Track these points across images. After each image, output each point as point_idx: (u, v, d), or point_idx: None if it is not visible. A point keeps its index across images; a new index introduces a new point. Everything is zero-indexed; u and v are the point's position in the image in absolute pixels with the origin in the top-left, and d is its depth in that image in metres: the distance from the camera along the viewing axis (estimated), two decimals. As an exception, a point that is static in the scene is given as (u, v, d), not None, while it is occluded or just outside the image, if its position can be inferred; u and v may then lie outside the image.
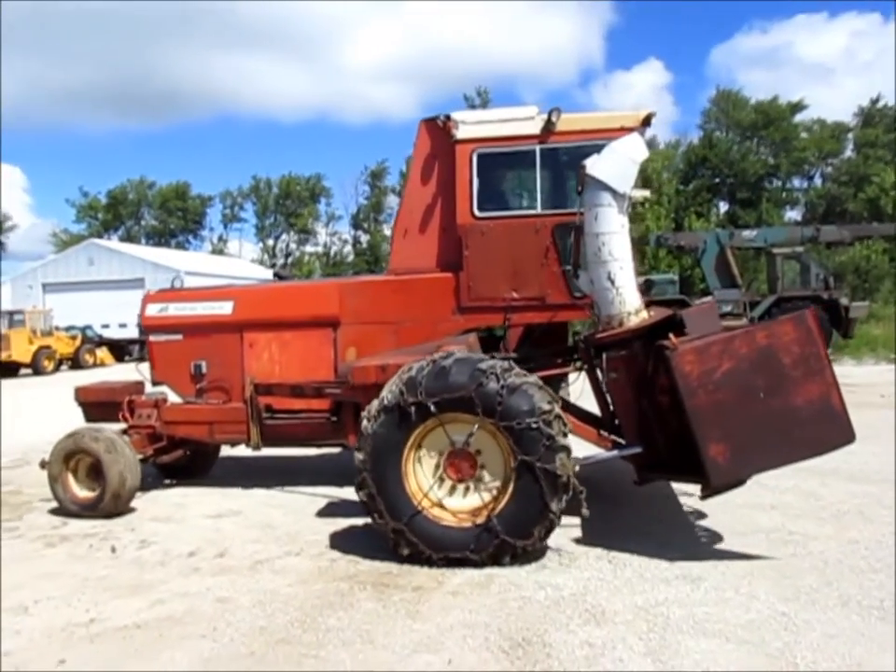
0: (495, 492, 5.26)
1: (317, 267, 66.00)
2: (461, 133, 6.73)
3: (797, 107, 57.70)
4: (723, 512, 6.42)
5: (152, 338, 7.94)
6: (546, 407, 5.10)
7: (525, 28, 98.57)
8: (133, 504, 7.34)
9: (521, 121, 6.69)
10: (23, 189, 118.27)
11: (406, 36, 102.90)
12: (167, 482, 8.44)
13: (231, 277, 42.51)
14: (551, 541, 5.65)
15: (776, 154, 57.36)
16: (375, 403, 5.35)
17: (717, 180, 56.00)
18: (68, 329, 36.50)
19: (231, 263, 59.63)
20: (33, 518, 7.06)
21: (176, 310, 7.80)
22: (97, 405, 8.05)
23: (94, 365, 34.24)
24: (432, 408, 5.18)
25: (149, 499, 7.66)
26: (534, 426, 5.02)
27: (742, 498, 6.82)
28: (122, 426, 7.68)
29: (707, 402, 4.98)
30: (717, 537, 5.79)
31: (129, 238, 72.65)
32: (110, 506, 6.86)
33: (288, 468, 8.94)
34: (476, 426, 5.18)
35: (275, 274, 8.91)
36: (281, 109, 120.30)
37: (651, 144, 56.08)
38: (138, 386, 8.09)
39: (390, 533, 5.25)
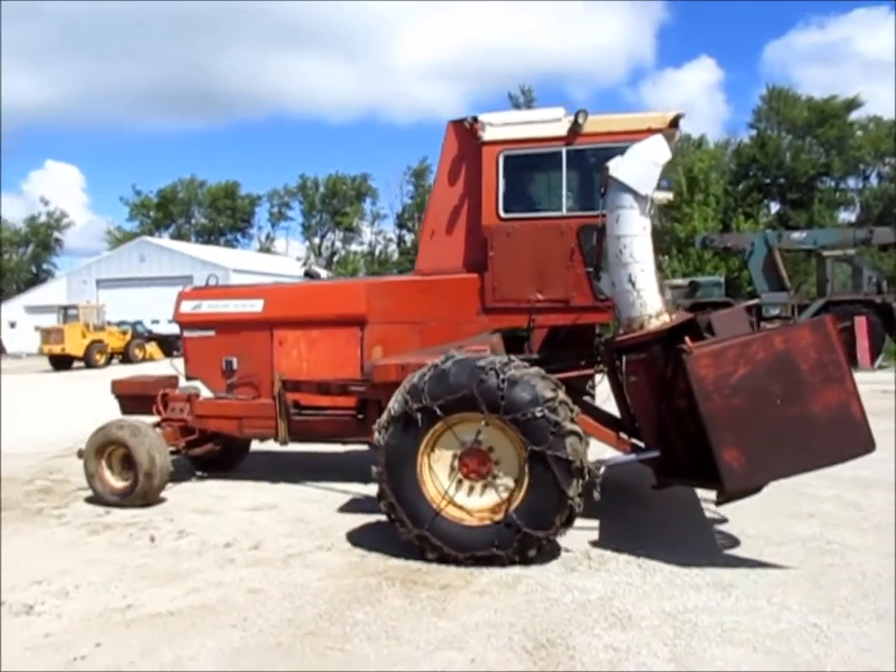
0: (511, 487, 5.27)
1: (362, 266, 66.53)
2: (488, 134, 6.74)
3: (852, 104, 56.10)
4: (761, 521, 6.31)
5: (186, 334, 8.17)
6: (549, 395, 5.10)
7: (575, 26, 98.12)
8: (174, 496, 7.56)
9: (547, 123, 6.67)
10: (81, 187, 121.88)
11: (454, 35, 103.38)
12: (199, 474, 8.66)
13: (277, 275, 43.16)
14: (581, 545, 5.67)
15: (829, 153, 55.93)
16: (384, 415, 5.43)
17: (767, 180, 54.89)
18: (119, 324, 37.50)
19: (278, 261, 60.48)
20: (78, 506, 7.30)
21: (209, 307, 8.00)
22: (132, 398, 8.33)
23: (144, 359, 35.08)
24: (438, 411, 5.24)
25: (189, 491, 7.85)
26: (538, 414, 5.03)
27: (780, 506, 6.74)
28: (156, 418, 7.91)
29: (723, 407, 4.93)
30: (752, 545, 5.70)
31: (179, 236, 74.33)
32: (144, 486, 7.03)
33: (324, 464, 9.07)
34: (483, 423, 5.22)
35: (306, 273, 9.03)
36: (329, 109, 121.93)
37: (699, 143, 55.46)
38: (172, 381, 8.34)
39: (415, 540, 5.31)
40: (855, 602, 4.52)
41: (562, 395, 5.20)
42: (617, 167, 5.61)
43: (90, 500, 7.43)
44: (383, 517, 5.93)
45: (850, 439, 4.92)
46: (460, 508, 5.35)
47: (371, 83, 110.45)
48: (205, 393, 8.16)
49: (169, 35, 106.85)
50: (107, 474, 7.27)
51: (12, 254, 77.81)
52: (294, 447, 7.89)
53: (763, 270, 23.09)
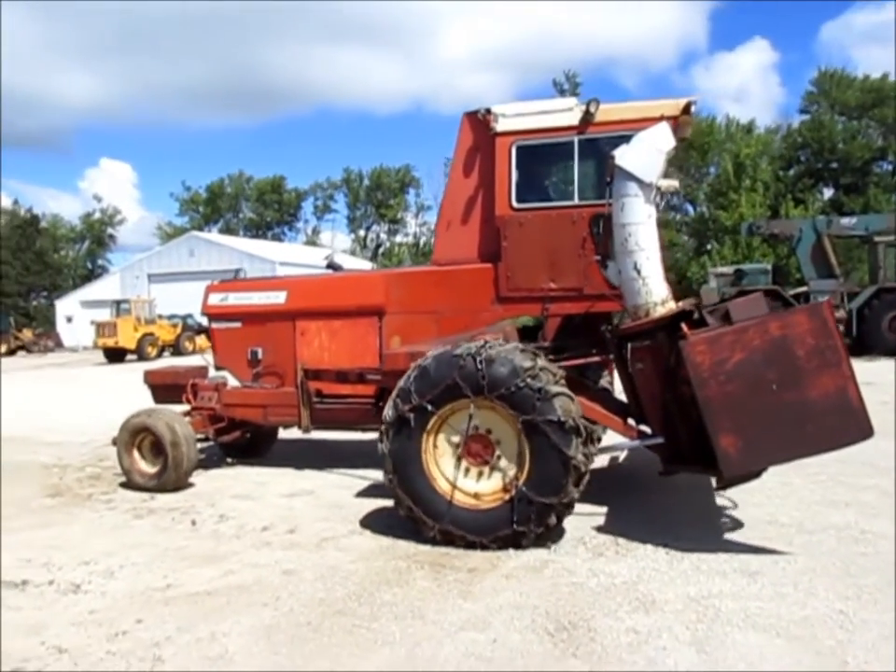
0: (516, 462, 5.36)
1: (407, 257, 66.85)
2: (501, 125, 6.78)
3: (910, 84, 54.19)
4: (795, 509, 6.27)
5: (214, 325, 8.45)
6: (527, 364, 5.22)
7: (625, 11, 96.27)
8: (216, 483, 7.83)
9: (559, 113, 6.69)
10: (133, 184, 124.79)
11: (502, 23, 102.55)
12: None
13: (323, 268, 43.61)
14: (609, 532, 5.71)
15: (885, 136, 54.17)
16: (382, 424, 5.59)
17: (819, 165, 53.46)
18: (170, 317, 38.41)
19: (324, 254, 61.14)
20: (125, 492, 7.58)
21: (236, 299, 8.25)
22: (164, 387, 8.63)
23: (193, 352, 35.86)
24: (428, 407, 5.41)
25: (231, 478, 8.10)
26: (521, 385, 5.15)
27: (817, 495, 6.68)
28: (187, 407, 8.24)
29: (719, 393, 4.95)
30: (783, 532, 5.65)
31: (227, 230, 75.67)
32: (173, 454, 7.29)
33: (361, 451, 9.21)
34: (472, 407, 5.35)
35: (329, 265, 9.20)
36: (376, 101, 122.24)
37: (748, 128, 54.29)
38: (202, 371, 8.63)
39: (438, 535, 5.42)
40: (883, 589, 4.47)
41: (542, 362, 5.32)
42: (622, 155, 5.62)
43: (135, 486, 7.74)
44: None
45: (848, 425, 4.89)
46: (473, 495, 5.48)
47: (417, 74, 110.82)
48: (233, 382, 8.43)
49: (219, 33, 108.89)
50: (139, 460, 7.61)
51: (68, 250, 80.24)
52: (337, 436, 8.08)
53: (812, 257, 22.56)
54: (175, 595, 4.74)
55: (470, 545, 5.35)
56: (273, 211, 79.63)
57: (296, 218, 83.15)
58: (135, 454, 7.59)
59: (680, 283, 44.65)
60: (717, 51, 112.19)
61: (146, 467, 7.59)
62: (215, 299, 8.41)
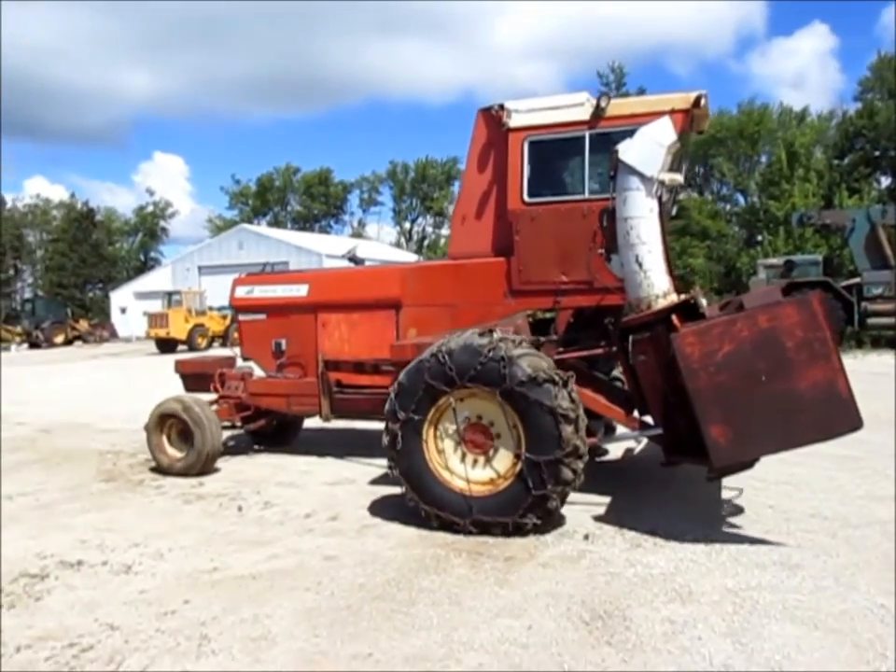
0: (513, 435, 5.50)
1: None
2: (513, 121, 6.84)
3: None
4: (840, 503, 6.19)
5: (241, 317, 8.77)
6: (483, 341, 5.51)
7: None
8: (261, 471, 8.03)
9: (571, 108, 6.72)
10: (185, 177, 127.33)
11: (554, 11, 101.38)
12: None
13: (369, 260, 43.96)
14: (648, 523, 5.71)
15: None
16: (386, 447, 5.82)
17: (877, 153, 51.74)
18: (220, 308, 39.08)
19: (370, 246, 61.56)
20: (174, 478, 7.82)
21: (261, 292, 8.53)
22: (194, 377, 8.98)
23: (242, 342, 36.45)
24: (415, 417, 5.67)
25: (277, 466, 8.29)
26: (483, 361, 5.43)
27: (862, 490, 6.60)
28: (214, 395, 8.57)
29: (709, 384, 5.00)
30: (827, 526, 5.59)
31: (276, 223, 76.63)
32: (199, 440, 7.66)
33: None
34: (452, 400, 5.60)
35: (350, 259, 9.39)
36: (427, 92, 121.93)
37: (801, 116, 52.86)
38: (229, 361, 8.96)
39: (475, 528, 5.51)
40: (927, 585, 4.41)
41: (499, 333, 5.59)
42: (625, 150, 5.67)
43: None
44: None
45: (837, 416, 4.89)
46: (489, 481, 5.62)
47: (469, 64, 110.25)
48: (258, 372, 8.71)
49: (272, 27, 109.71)
50: (167, 445, 7.99)
51: (123, 243, 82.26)
52: (380, 426, 8.17)
53: (866, 247, 21.91)
54: (221, 578, 4.91)
55: (504, 527, 5.43)
56: (319, 204, 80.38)
57: (342, 211, 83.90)
58: (164, 439, 7.95)
59: (729, 274, 43.87)
60: (774, 37, 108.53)
61: (173, 452, 7.94)
62: (241, 291, 8.69)
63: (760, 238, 45.08)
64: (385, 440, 5.80)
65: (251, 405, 8.48)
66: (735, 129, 52.78)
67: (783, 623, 4.01)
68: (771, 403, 4.93)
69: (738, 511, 6.08)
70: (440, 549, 5.31)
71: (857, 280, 21.89)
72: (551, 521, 5.54)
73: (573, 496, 5.61)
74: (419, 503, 5.69)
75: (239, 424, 8.60)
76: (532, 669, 3.63)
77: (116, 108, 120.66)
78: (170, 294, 37.46)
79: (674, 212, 8.08)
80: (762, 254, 36.80)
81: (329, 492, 7.07)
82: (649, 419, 6.20)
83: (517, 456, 5.47)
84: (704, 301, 5.70)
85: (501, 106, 6.89)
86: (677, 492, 6.63)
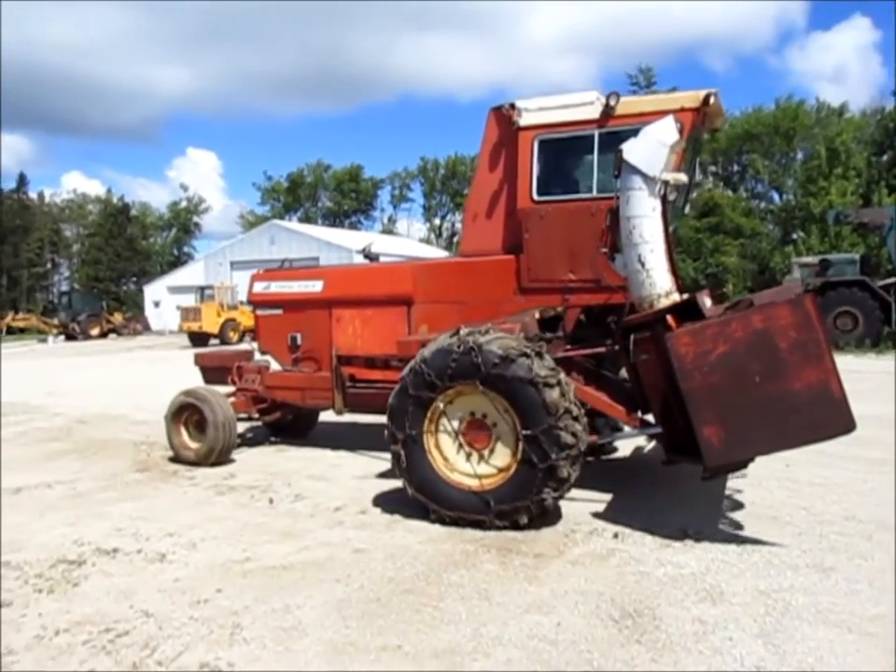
0: (508, 420, 5.59)
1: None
2: (524, 120, 6.85)
3: None
4: (875, 505, 6.09)
5: (258, 312, 8.95)
6: (451, 340, 5.68)
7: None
8: (292, 464, 8.11)
9: (581, 107, 6.72)
10: (218, 173, 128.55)
11: (587, 6, 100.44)
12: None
13: (398, 256, 44.11)
14: (678, 522, 5.67)
15: None
16: (392, 462, 6.01)
17: (918, 150, 50.62)
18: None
19: (399, 243, 61.73)
20: (208, 469, 7.94)
21: (277, 287, 8.71)
22: (212, 369, 9.23)
23: (273, 337, 36.75)
24: (413, 433, 5.80)
25: (308, 459, 8.37)
26: (455, 358, 5.59)
27: (901, 492, 6.45)
28: (232, 388, 8.79)
29: (702, 384, 5.00)
30: (862, 529, 5.50)
31: (306, 219, 77.19)
32: (213, 430, 7.87)
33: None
34: (440, 404, 5.77)
35: (366, 255, 9.53)
36: (458, 88, 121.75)
37: (840, 112, 51.92)
38: (247, 354, 9.22)
39: (499, 521, 5.54)
40: (966, 591, 4.32)
41: (464, 331, 5.73)
42: (629, 149, 5.68)
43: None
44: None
45: (830, 418, 4.85)
46: (498, 471, 5.67)
47: (501, 59, 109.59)
48: (275, 366, 8.87)
49: (304, 22, 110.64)
50: (185, 435, 8.21)
51: (156, 237, 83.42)
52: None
53: (905, 246, 21.52)
54: (252, 568, 4.98)
55: (528, 510, 5.47)
56: (350, 200, 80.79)
57: (372, 207, 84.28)
58: (182, 430, 8.18)
59: (763, 273, 43.27)
60: (813, 31, 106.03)
61: (190, 442, 8.17)
62: (259, 287, 8.89)
63: (795, 236, 44.45)
64: (393, 462, 5.96)
65: (267, 398, 8.67)
66: (770, 125, 52.03)
67: (816, 625, 3.96)
68: (764, 404, 4.92)
69: (771, 513, 6.02)
70: (468, 544, 5.32)
71: (895, 280, 21.46)
72: (567, 488, 5.53)
73: (600, 494, 5.60)
74: (441, 512, 5.74)
75: (256, 416, 8.82)
76: (561, 666, 3.63)
77: (150, 105, 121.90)
78: (202, 289, 37.90)
79: (686, 210, 8.06)
80: (796, 252, 36.24)
81: (358, 486, 7.12)
82: (651, 418, 6.19)
83: (517, 438, 5.53)
84: (708, 302, 5.69)
85: (512, 105, 6.92)
86: (706, 492, 6.56)
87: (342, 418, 9.55)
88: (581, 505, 6.13)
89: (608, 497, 6.44)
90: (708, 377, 5.00)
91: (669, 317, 5.52)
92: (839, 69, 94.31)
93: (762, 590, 4.42)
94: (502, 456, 5.69)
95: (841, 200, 37.89)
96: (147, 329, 47.00)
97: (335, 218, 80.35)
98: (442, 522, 5.76)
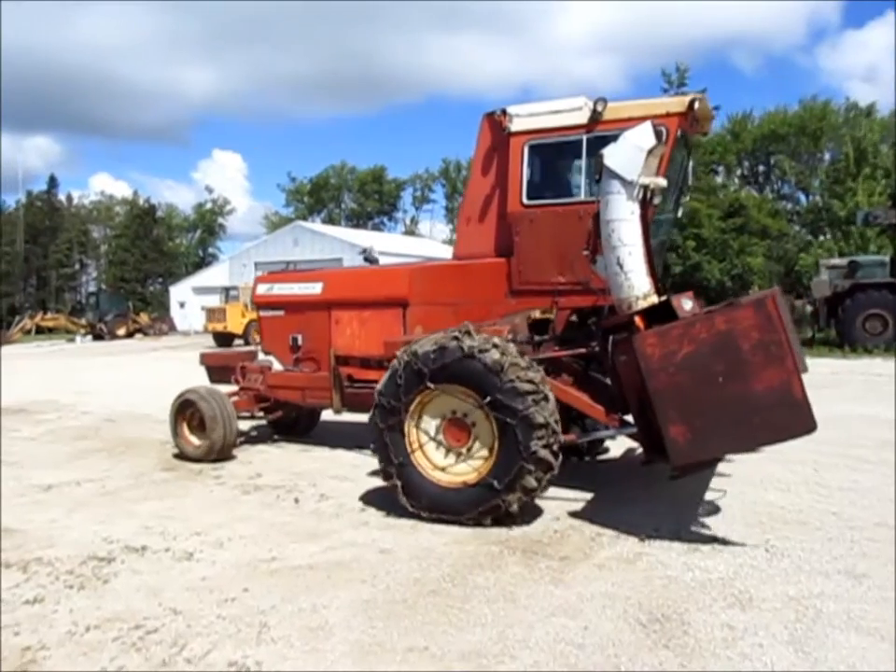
0: (482, 409, 5.71)
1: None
2: (514, 125, 6.97)
3: None
4: (911, 511, 5.99)
5: (261, 313, 9.21)
6: (406, 357, 5.90)
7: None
8: (316, 464, 8.16)
9: (569, 112, 6.82)
10: (244, 174, 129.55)
11: (617, 6, 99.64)
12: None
13: (421, 257, 44.16)
14: (706, 527, 5.62)
15: None
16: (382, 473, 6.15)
17: (949, 150, 49.73)
18: (275, 304, 39.66)
19: (422, 244, 61.80)
20: (233, 468, 8.02)
21: (280, 289, 8.95)
22: (217, 369, 9.51)
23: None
24: (400, 460, 5.93)
25: (330, 459, 8.42)
26: (414, 368, 5.83)
27: (934, 498, 6.34)
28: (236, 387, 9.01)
29: (668, 384, 5.08)
30: (893, 536, 5.41)
31: (330, 220, 77.55)
32: (211, 427, 8.08)
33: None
34: (405, 419, 5.93)
35: (365, 258, 9.73)
36: (486, 89, 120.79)
37: (868, 112, 51.14)
38: (251, 354, 9.46)
39: (502, 502, 5.58)
40: None
41: (420, 335, 6.01)
42: (609, 155, 5.76)
43: (244, 465, 8.24)
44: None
45: (791, 418, 4.88)
46: (484, 460, 5.78)
47: (529, 60, 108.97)
48: (277, 366, 9.03)
49: (333, 23, 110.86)
50: (187, 432, 8.42)
51: (182, 239, 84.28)
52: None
53: (936, 248, 21.14)
54: (279, 568, 5.01)
55: (522, 488, 5.52)
56: (373, 201, 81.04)
57: (395, 209, 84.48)
58: (185, 427, 8.38)
59: (788, 275, 42.76)
60: (845, 28, 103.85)
61: (193, 439, 8.36)
62: (262, 289, 9.12)
63: (821, 238, 43.88)
64: (386, 482, 6.09)
65: (270, 397, 8.85)
66: (796, 125, 51.43)
67: (848, 632, 3.90)
68: (728, 404, 4.97)
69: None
70: (493, 546, 5.31)
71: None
72: (545, 462, 5.55)
73: (626, 497, 5.54)
74: (438, 515, 5.80)
75: (260, 414, 9.07)
76: (588, 670, 3.61)
77: (178, 106, 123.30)
78: (227, 289, 38.21)
79: (679, 213, 8.18)
80: (824, 254, 35.76)
81: (381, 485, 7.10)
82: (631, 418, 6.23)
83: (488, 420, 5.65)
84: (689, 303, 5.76)
85: (504, 111, 7.04)
86: (734, 496, 6.50)
87: (358, 417, 9.62)
88: (606, 508, 6.11)
89: (634, 500, 6.40)
90: (674, 377, 5.07)
91: (637, 319, 5.64)
92: (872, 67, 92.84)
93: (792, 596, 4.36)
94: (484, 445, 5.82)
95: (868, 200, 37.31)
96: (172, 329, 47.45)
97: (358, 220, 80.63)
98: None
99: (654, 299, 5.80)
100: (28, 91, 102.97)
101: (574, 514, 5.98)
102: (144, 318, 46.57)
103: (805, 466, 7.48)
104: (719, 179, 46.78)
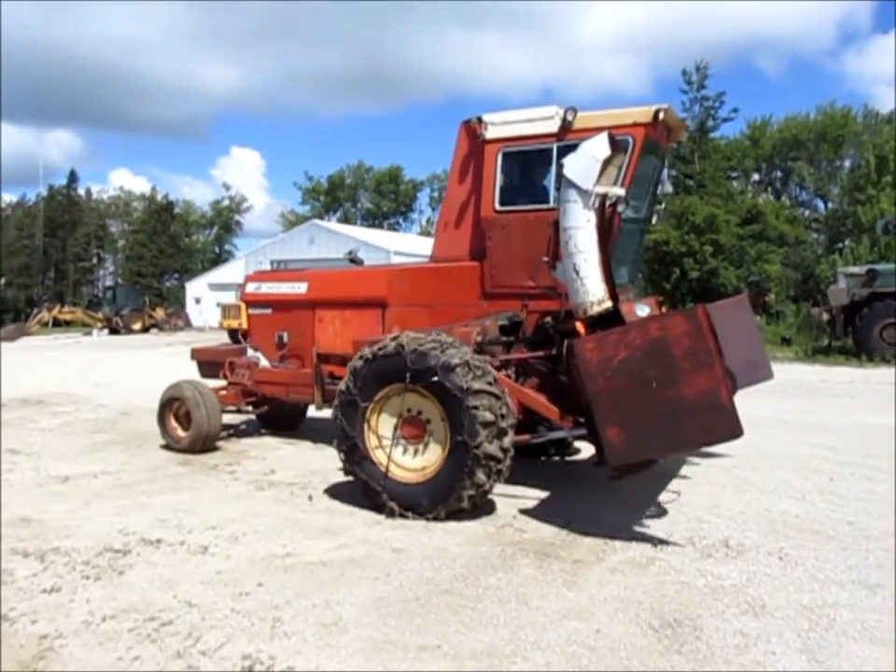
0: (433, 403, 5.90)
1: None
2: (489, 133, 7.18)
3: None
4: (924, 522, 5.94)
5: (250, 311, 9.53)
6: (358, 363, 6.19)
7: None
8: (331, 462, 8.14)
9: (542, 121, 6.97)
10: (261, 172, 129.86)
11: (642, 5, 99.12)
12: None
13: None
14: (719, 533, 5.61)
15: None
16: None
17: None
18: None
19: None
20: (248, 464, 8.07)
21: (267, 288, 9.26)
22: (207, 364, 9.79)
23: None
24: (361, 450, 6.18)
25: (345, 458, 8.43)
26: (364, 375, 6.13)
27: (949, 510, 6.29)
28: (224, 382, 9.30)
29: (605, 388, 5.26)
30: (910, 547, 5.39)
31: (346, 219, 77.70)
32: (196, 418, 8.42)
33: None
34: (368, 413, 6.16)
35: (351, 259, 9.95)
36: (507, 88, 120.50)
37: (889, 119, 50.66)
38: (239, 350, 9.67)
39: (446, 507, 5.80)
40: None
41: (363, 347, 6.27)
42: (568, 164, 5.92)
43: (259, 461, 8.30)
44: (525, 491, 6.16)
45: (719, 423, 5.04)
46: (435, 458, 5.98)
47: (551, 59, 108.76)
48: (264, 362, 9.21)
49: (355, 21, 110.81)
50: (174, 424, 8.76)
51: (199, 235, 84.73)
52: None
53: (957, 257, 20.89)
54: (293, 563, 5.04)
55: (465, 484, 5.68)
56: (389, 201, 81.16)
57: (411, 209, 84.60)
58: (172, 419, 8.69)
59: (807, 282, 42.43)
60: (875, 33, 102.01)
61: (179, 431, 8.71)
62: (251, 287, 9.45)
63: (841, 245, 43.54)
64: (366, 494, 6.22)
65: (257, 392, 9.09)
66: (816, 131, 51.07)
67: (861, 643, 3.89)
68: (660, 408, 5.13)
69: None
70: (506, 548, 5.33)
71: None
72: (494, 458, 5.69)
73: (637, 502, 5.53)
74: (418, 511, 5.92)
75: (248, 408, 9.37)
76: (600, 672, 3.62)
77: (198, 103, 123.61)
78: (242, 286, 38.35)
79: (654, 221, 8.41)
80: (843, 262, 35.46)
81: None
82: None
83: (446, 426, 5.82)
84: (647, 309, 5.92)
85: (479, 119, 7.22)
86: (748, 503, 6.48)
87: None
88: (618, 512, 6.11)
89: (645, 504, 6.39)
90: (611, 381, 5.24)
91: (579, 324, 5.93)
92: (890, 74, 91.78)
93: (805, 604, 4.35)
94: (440, 438, 5.96)
95: (891, 208, 36.96)
96: (187, 324, 47.69)
97: (374, 219, 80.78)
98: (484, 509, 5.87)
99: (608, 304, 5.97)
100: (50, 84, 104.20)
101: (586, 518, 5.98)
102: (159, 313, 46.82)
103: (821, 475, 7.44)
104: (736, 185, 46.48)
